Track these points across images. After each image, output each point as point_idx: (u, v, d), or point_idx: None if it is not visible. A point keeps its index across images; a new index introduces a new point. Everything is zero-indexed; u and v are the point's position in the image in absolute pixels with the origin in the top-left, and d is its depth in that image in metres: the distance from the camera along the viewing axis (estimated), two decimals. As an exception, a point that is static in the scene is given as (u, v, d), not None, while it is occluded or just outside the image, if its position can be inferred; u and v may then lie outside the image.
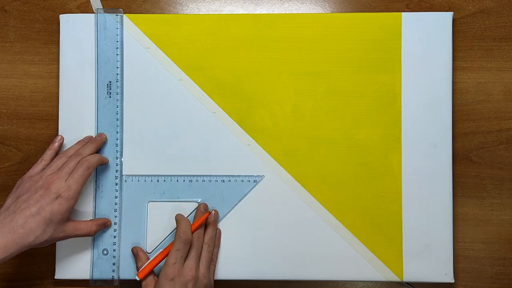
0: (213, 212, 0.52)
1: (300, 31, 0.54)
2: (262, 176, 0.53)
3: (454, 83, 0.55)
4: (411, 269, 0.53)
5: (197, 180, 0.54)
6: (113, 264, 0.53)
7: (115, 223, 0.53)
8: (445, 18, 0.54)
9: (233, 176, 0.54)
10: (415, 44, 0.54)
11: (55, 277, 0.54)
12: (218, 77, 0.54)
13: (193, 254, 0.49)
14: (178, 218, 0.51)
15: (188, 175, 0.54)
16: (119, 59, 0.54)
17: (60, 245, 0.54)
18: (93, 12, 0.56)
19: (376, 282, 0.55)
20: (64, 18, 0.55)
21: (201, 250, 0.50)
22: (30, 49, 0.56)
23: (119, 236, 0.53)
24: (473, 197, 0.55)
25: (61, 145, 0.53)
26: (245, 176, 0.54)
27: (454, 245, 0.54)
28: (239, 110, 0.54)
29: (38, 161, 0.50)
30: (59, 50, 0.55)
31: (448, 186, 0.53)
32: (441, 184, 0.53)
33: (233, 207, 0.54)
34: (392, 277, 0.53)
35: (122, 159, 0.54)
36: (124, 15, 0.55)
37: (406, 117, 0.54)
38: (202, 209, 0.52)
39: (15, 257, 0.55)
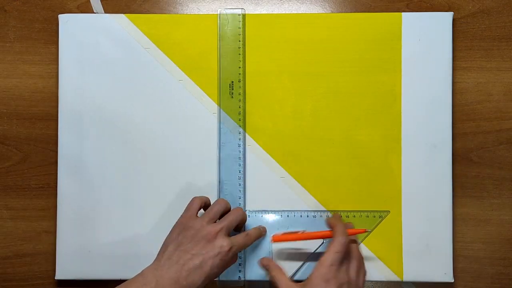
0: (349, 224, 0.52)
1: (300, 31, 0.54)
2: (387, 212, 0.53)
3: (454, 83, 0.55)
4: (411, 269, 0.53)
5: (321, 216, 0.53)
6: (239, 264, 0.53)
7: None
8: (445, 18, 0.54)
9: (358, 211, 0.53)
10: (415, 44, 0.54)
11: (55, 277, 0.54)
12: (218, 77, 0.54)
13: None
14: (333, 221, 0.49)
15: (311, 210, 0.53)
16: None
17: (60, 245, 0.54)
18: (93, 12, 0.56)
19: (376, 282, 0.55)
20: (63, 18, 0.55)
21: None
22: (30, 49, 0.56)
23: None
24: (473, 197, 0.55)
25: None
26: (370, 211, 0.53)
27: (453, 245, 0.54)
28: (239, 110, 0.54)
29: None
30: (58, 50, 0.55)
31: (448, 186, 0.53)
32: (441, 184, 0.53)
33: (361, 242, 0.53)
34: (392, 277, 0.53)
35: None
36: (124, 15, 0.55)
37: (406, 117, 0.54)
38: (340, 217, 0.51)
39: (15, 257, 0.55)
